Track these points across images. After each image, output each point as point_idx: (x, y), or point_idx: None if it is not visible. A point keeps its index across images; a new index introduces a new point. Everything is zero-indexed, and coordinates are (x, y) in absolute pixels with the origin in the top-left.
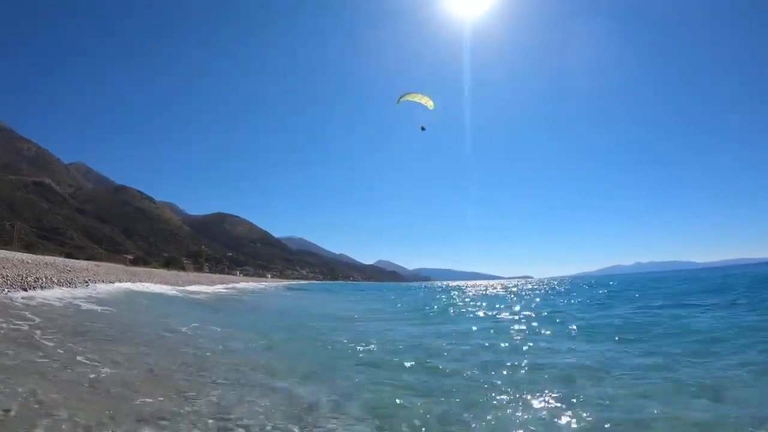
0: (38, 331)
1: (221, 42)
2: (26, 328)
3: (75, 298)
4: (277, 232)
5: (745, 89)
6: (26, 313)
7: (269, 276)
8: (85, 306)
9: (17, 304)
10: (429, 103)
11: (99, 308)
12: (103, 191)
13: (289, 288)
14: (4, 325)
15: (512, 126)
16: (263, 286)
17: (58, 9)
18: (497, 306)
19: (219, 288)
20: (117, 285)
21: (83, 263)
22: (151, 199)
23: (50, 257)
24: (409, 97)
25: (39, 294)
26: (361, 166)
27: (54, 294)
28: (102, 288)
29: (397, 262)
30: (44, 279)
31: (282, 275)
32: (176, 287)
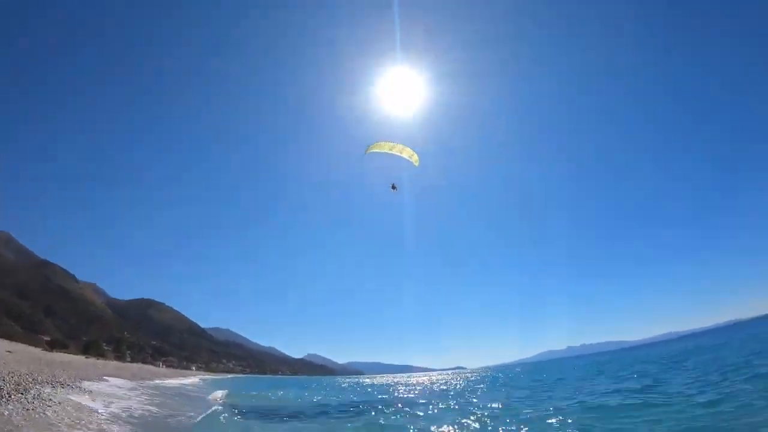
0: None
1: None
2: None
3: None
4: (205, 322)
5: (658, 180)
6: None
7: (194, 369)
8: None
9: None
10: (414, 158)
11: None
12: (25, 265)
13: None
14: None
15: (447, 222)
16: (187, 383)
17: None
18: None
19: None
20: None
21: None
22: (74, 278)
23: None
24: (392, 150)
25: None
26: (292, 259)
27: None
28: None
29: (327, 356)
30: None
31: (207, 368)
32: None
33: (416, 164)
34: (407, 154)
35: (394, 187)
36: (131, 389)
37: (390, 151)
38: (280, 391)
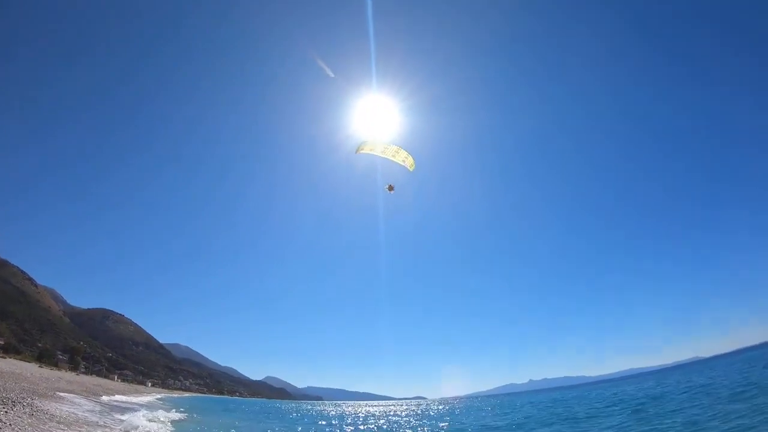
0: None
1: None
2: None
3: None
4: (163, 337)
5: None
6: None
7: (149, 384)
8: None
9: None
10: (409, 161)
11: None
12: None
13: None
14: None
15: (416, 252)
16: (143, 401)
17: None
18: None
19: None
20: None
21: None
22: (32, 281)
23: None
24: (385, 152)
25: None
26: (256, 277)
27: None
28: None
29: (286, 379)
30: None
31: (164, 384)
32: None
33: (411, 169)
34: (401, 157)
35: (390, 189)
36: (89, 411)
37: (382, 154)
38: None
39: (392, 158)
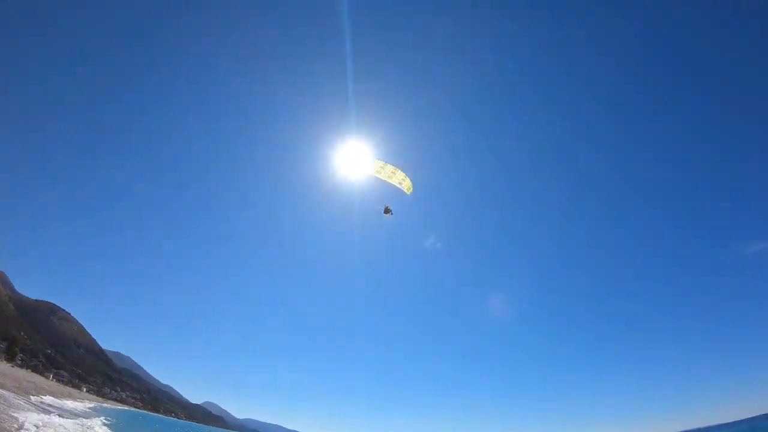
0: None
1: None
2: None
3: None
4: (107, 343)
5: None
6: None
7: (84, 389)
8: None
9: None
10: (406, 183)
11: None
12: None
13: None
14: None
15: (392, 300)
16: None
17: None
18: None
19: None
20: None
21: None
22: None
23: None
24: (381, 172)
25: None
26: (210, 303)
27: None
28: None
29: (225, 407)
30: None
31: (99, 392)
32: None
33: (408, 192)
34: (398, 179)
35: (387, 211)
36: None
37: (378, 174)
38: None
39: (388, 179)
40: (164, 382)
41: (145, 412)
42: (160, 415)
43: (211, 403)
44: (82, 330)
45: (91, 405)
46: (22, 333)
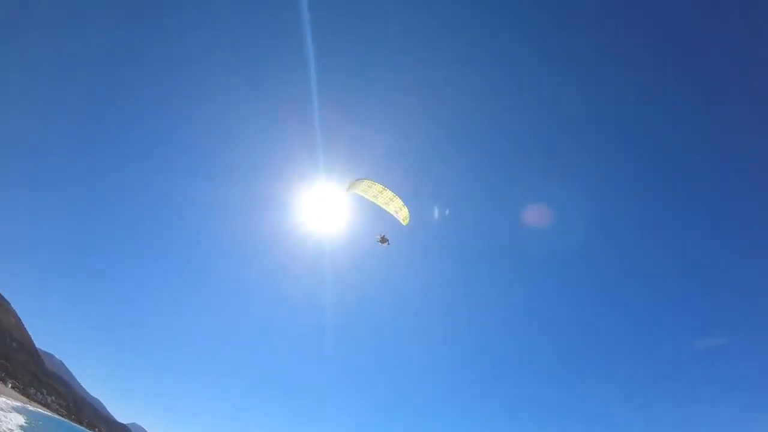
0: None
1: None
2: None
3: None
4: (42, 342)
5: None
6: None
7: (9, 385)
8: None
9: None
10: (403, 212)
11: None
12: None
13: None
14: None
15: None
16: None
17: None
18: None
19: None
20: None
21: None
22: None
23: None
24: (377, 198)
25: None
26: (157, 320)
27: None
28: None
29: None
30: None
31: (24, 392)
32: None
33: (404, 222)
34: (394, 207)
35: (383, 240)
36: None
37: (374, 199)
38: None
39: (385, 206)
40: (93, 394)
41: (69, 422)
42: (81, 428)
43: (139, 426)
44: (18, 324)
45: (16, 404)
46: None
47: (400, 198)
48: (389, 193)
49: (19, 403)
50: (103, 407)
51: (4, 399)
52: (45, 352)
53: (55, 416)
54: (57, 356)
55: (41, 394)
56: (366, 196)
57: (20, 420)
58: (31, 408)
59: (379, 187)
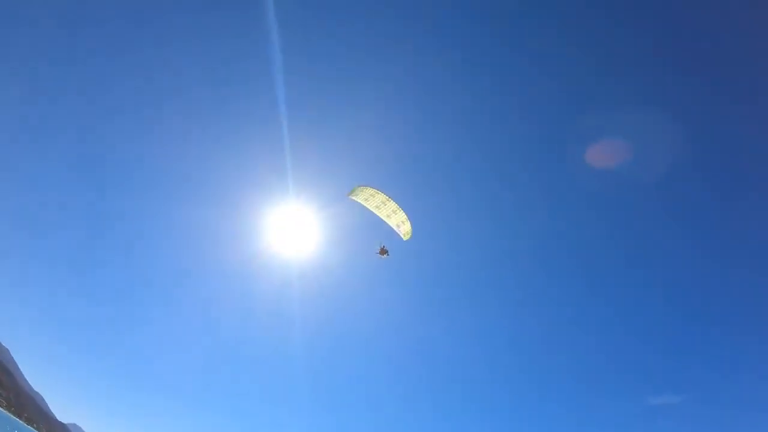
0: None
1: None
2: None
3: None
4: None
5: None
6: None
7: None
8: None
9: None
10: (405, 227)
11: None
12: None
13: None
14: None
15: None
16: None
17: None
18: None
19: None
20: None
21: None
22: None
23: None
24: (380, 209)
25: None
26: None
27: None
28: None
29: None
30: None
31: None
32: None
33: (405, 238)
34: (396, 221)
35: (383, 252)
36: None
37: (376, 210)
38: None
39: (387, 219)
40: (35, 388)
41: (8, 414)
42: (20, 422)
43: (79, 428)
44: None
45: None
46: None
47: (404, 211)
48: (392, 205)
49: None
50: (45, 403)
51: None
52: None
53: None
54: (5, 345)
55: None
56: (367, 206)
57: None
58: None
59: (382, 197)
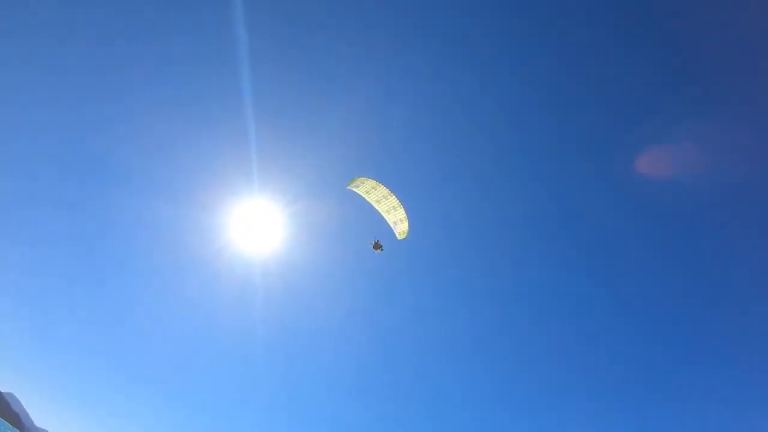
0: None
1: None
2: None
3: None
4: None
5: None
6: None
7: None
8: None
9: None
10: (402, 226)
11: None
12: None
13: None
14: None
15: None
16: None
17: None
18: None
19: None
20: None
21: None
22: None
23: None
24: (380, 203)
25: None
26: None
27: None
28: None
29: (28, 408)
30: None
31: None
32: None
33: (400, 237)
34: (393, 218)
35: (377, 246)
36: None
37: (376, 204)
38: None
39: (385, 214)
40: None
41: None
42: None
43: (14, 396)
44: None
45: None
46: None
47: (404, 209)
48: (393, 201)
49: None
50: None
51: None
52: None
53: None
54: None
55: None
56: (367, 199)
57: None
58: None
59: (383, 191)
